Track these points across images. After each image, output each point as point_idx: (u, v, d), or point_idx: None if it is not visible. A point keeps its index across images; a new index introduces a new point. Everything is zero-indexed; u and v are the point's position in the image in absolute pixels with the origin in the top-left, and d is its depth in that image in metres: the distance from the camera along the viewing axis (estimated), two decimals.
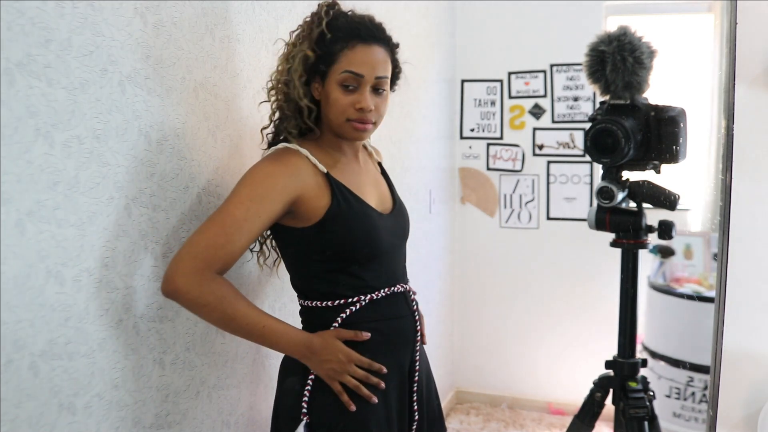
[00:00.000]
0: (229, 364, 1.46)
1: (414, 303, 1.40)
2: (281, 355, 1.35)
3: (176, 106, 1.25)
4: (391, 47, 1.30)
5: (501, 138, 3.26)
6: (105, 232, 1.08)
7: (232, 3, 1.42)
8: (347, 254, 1.27)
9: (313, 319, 1.31)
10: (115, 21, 1.08)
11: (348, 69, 1.22)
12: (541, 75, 3.16)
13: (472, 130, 3.30)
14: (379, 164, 1.50)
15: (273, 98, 1.31)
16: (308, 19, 1.28)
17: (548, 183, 3.20)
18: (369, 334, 1.26)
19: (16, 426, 0.93)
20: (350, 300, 1.28)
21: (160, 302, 1.23)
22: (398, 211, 1.41)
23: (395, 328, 1.33)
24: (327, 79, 1.25)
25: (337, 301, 1.28)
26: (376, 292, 1.30)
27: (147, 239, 1.18)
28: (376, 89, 1.26)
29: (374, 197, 1.37)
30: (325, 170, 1.27)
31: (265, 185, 1.20)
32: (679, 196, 1.72)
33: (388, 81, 1.28)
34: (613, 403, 1.84)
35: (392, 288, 1.33)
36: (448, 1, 3.20)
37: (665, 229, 1.77)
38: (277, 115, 1.32)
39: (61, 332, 1.00)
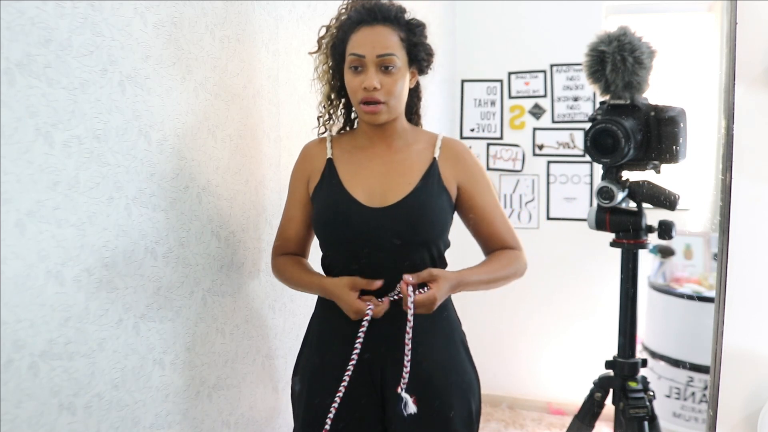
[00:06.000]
0: (229, 364, 1.46)
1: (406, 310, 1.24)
2: (282, 355, 1.35)
3: (176, 106, 1.25)
4: (402, 26, 1.32)
5: (501, 138, 3.26)
6: (105, 232, 1.08)
7: (232, 3, 1.42)
8: (317, 233, 1.39)
9: None
10: (115, 21, 1.08)
11: (351, 51, 1.30)
12: (541, 75, 3.16)
13: (472, 130, 3.30)
14: (434, 159, 1.37)
15: (320, 96, 1.43)
16: (333, 19, 1.37)
17: (548, 183, 3.20)
18: (381, 282, 1.29)
19: (16, 426, 0.93)
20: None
21: (161, 302, 1.23)
22: (398, 207, 1.31)
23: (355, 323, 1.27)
24: (344, 66, 1.33)
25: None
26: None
27: (147, 239, 1.18)
28: (385, 68, 1.29)
29: (367, 189, 1.33)
30: (329, 155, 1.39)
31: (292, 176, 1.45)
32: (679, 196, 1.72)
33: (395, 58, 1.29)
34: (613, 403, 1.84)
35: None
36: (448, 1, 3.20)
37: (665, 229, 1.77)
38: (322, 110, 1.43)
39: (61, 332, 1.00)
